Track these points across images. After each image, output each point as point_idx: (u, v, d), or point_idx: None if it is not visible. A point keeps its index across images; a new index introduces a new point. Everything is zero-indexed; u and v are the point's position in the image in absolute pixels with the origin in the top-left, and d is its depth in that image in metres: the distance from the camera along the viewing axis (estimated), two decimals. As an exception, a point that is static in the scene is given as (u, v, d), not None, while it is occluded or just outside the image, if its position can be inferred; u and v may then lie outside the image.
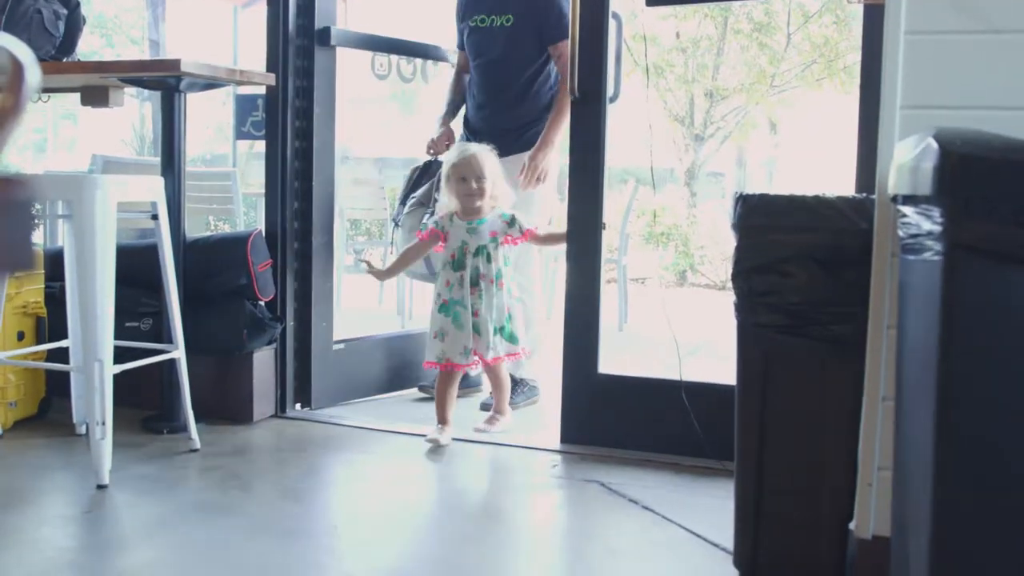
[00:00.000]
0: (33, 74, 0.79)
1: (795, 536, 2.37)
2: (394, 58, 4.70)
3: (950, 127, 1.79)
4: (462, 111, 4.47)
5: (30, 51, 0.84)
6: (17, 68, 0.83)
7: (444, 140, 4.36)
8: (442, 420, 3.66)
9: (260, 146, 4.69)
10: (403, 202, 4.31)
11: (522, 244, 3.78)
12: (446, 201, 3.70)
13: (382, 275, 3.95)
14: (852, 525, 2.39)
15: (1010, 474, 1.70)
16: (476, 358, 3.68)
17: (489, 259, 3.64)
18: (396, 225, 4.29)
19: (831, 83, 10.67)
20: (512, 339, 3.70)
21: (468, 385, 4.41)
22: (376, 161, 9.07)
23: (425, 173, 4.34)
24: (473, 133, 4.29)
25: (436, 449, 3.49)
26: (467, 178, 3.61)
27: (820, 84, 10.93)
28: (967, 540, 1.73)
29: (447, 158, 3.70)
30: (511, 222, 3.67)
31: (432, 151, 4.38)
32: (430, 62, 6.48)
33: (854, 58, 9.56)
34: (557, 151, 4.17)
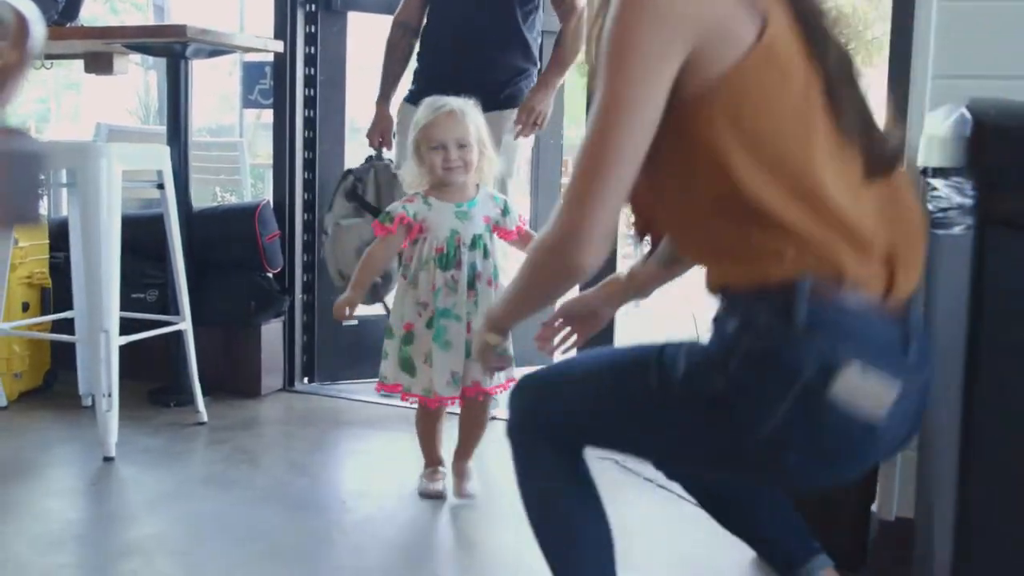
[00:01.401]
0: (38, 28, 0.75)
1: (816, 517, 2.33)
2: None
3: (984, 97, 1.74)
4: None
5: (34, 6, 0.80)
6: (21, 22, 0.79)
7: (388, 126, 3.55)
8: (433, 461, 2.83)
9: (267, 116, 4.63)
10: (331, 207, 3.57)
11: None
12: (413, 178, 2.71)
13: (349, 303, 2.69)
14: (875, 506, 2.36)
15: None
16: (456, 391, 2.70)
17: (486, 253, 2.69)
18: (326, 235, 3.58)
19: (859, 54, 10.57)
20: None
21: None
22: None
23: (367, 174, 3.56)
24: (424, 93, 3.31)
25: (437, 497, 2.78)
26: (444, 144, 2.61)
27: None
28: (991, 522, 1.69)
29: (416, 120, 2.67)
30: (505, 208, 2.75)
31: (377, 143, 3.57)
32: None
33: (882, 28, 9.45)
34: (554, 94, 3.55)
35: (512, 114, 3.42)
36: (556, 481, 1.65)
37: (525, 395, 1.69)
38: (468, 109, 2.66)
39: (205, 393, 3.41)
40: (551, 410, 1.65)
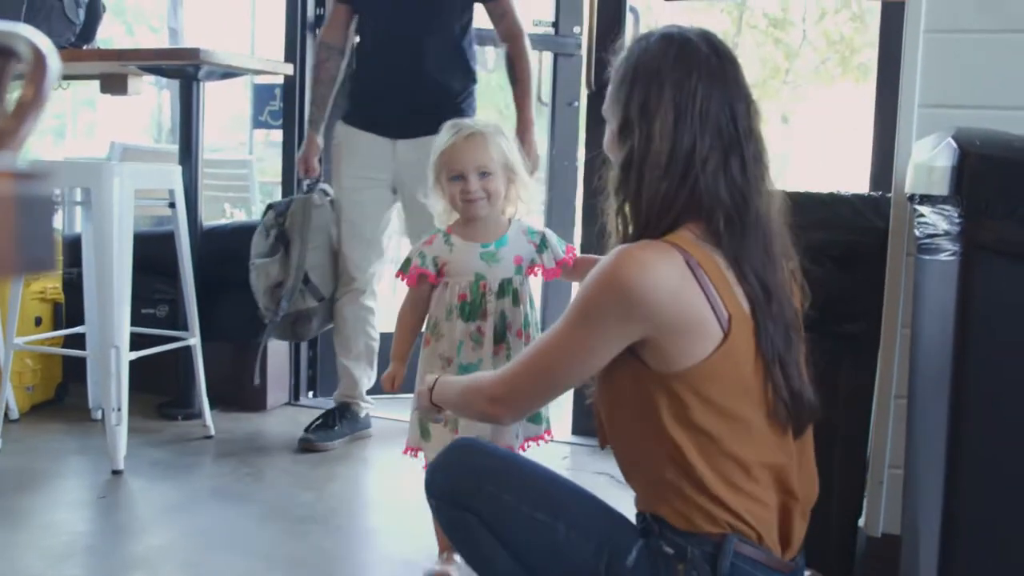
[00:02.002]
0: (54, 64, 0.79)
1: (806, 534, 2.38)
2: None
3: (969, 127, 1.79)
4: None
5: (49, 40, 0.84)
6: (39, 58, 0.83)
7: (316, 153, 3.48)
8: (447, 545, 2.39)
9: (276, 136, 4.70)
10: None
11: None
12: (440, 211, 2.37)
13: (393, 377, 2.32)
14: (862, 522, 2.40)
15: (1023, 474, 1.71)
16: None
17: (516, 300, 2.28)
18: (250, 271, 3.43)
19: (846, 79, 10.65)
20: (536, 416, 2.34)
21: (357, 429, 3.55)
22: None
23: (287, 208, 3.43)
24: (361, 118, 3.40)
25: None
26: (463, 173, 2.25)
27: (835, 80, 10.91)
28: (978, 540, 1.73)
29: (435, 145, 2.32)
30: (541, 243, 2.33)
31: (303, 171, 3.50)
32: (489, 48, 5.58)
33: (869, 55, 9.53)
34: None
35: None
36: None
37: (470, 474, 1.73)
38: (492, 132, 2.29)
39: (212, 407, 3.47)
40: (489, 509, 1.69)
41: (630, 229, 1.64)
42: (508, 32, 3.34)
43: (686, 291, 1.53)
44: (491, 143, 2.27)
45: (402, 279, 2.33)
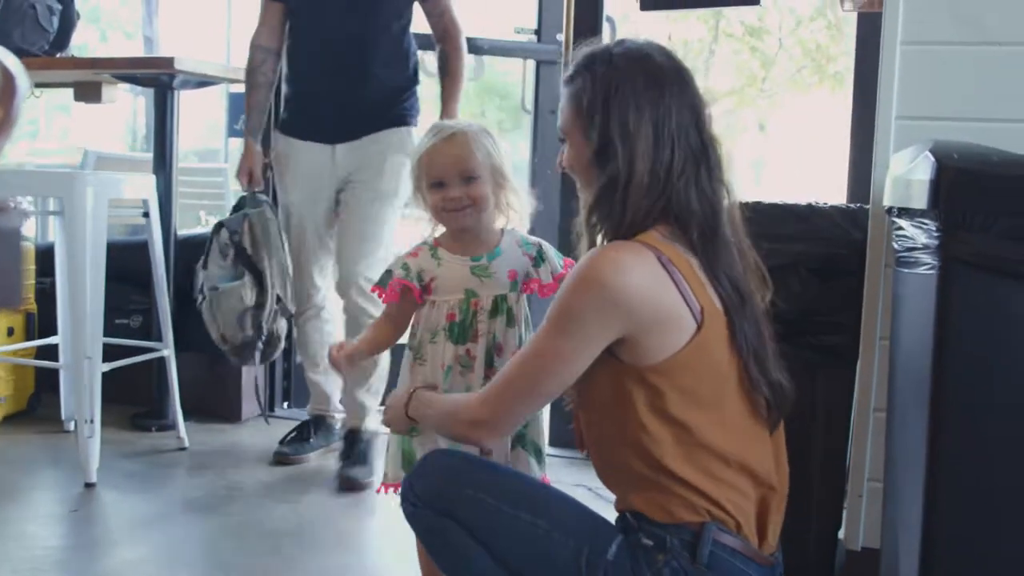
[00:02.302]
0: (23, 84, 0.77)
1: (784, 546, 2.37)
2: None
3: (946, 140, 1.80)
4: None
5: (17, 60, 0.82)
6: (7, 79, 0.82)
7: (257, 161, 3.30)
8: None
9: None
10: (205, 266, 3.23)
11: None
12: (426, 222, 2.11)
13: (348, 354, 2.11)
14: (841, 536, 2.40)
15: (1002, 487, 1.70)
16: None
17: (511, 319, 2.04)
18: (203, 297, 3.22)
19: (821, 87, 10.71)
20: (539, 453, 2.11)
21: (332, 441, 3.44)
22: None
23: (240, 225, 3.20)
24: (298, 126, 3.23)
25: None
26: (443, 179, 2.01)
27: (811, 88, 10.97)
28: (957, 553, 1.73)
29: (414, 150, 2.12)
30: (538, 256, 2.09)
31: (245, 181, 3.30)
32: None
33: (845, 63, 9.57)
34: None
35: (404, 132, 3.15)
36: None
37: (451, 478, 1.73)
38: (476, 131, 2.04)
39: (187, 418, 3.44)
40: (468, 511, 1.69)
41: (601, 239, 1.67)
42: (445, 31, 3.21)
43: (660, 287, 1.57)
44: (475, 144, 2.01)
45: (380, 295, 2.06)
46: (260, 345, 3.20)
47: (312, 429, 3.43)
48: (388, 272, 2.06)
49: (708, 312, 1.60)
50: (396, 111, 3.18)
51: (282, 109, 3.32)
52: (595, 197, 1.66)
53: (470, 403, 1.73)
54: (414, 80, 3.24)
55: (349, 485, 3.07)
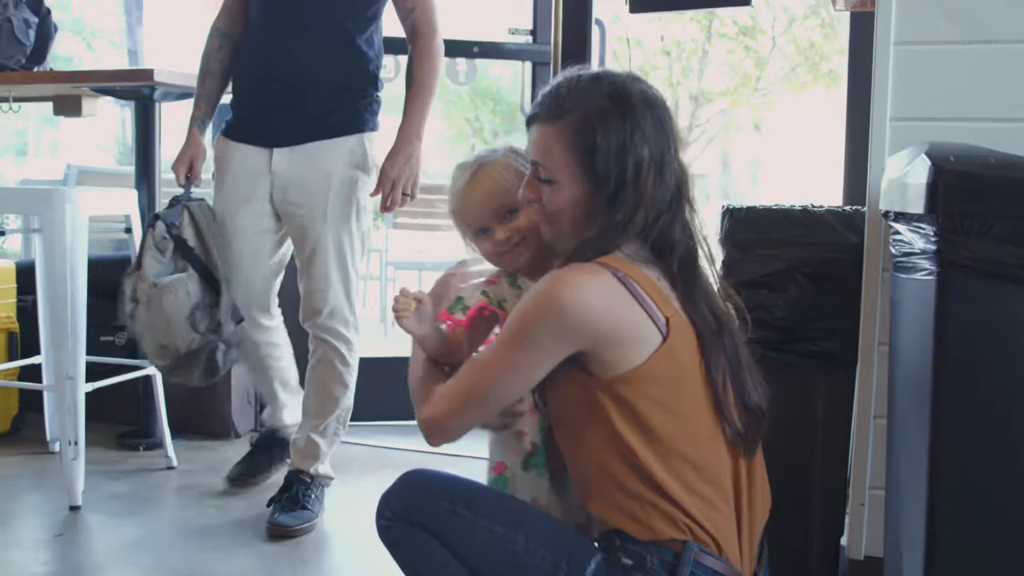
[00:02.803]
0: None
1: (786, 556, 2.32)
2: (402, 58, 3.43)
3: (942, 142, 1.76)
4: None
5: None
6: None
7: (198, 154, 2.98)
8: None
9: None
10: (138, 266, 2.84)
11: None
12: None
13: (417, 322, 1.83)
14: (844, 544, 2.35)
15: (1005, 494, 1.67)
16: None
17: None
18: (133, 305, 2.81)
19: (816, 86, 10.69)
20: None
21: (278, 458, 3.19)
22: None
23: (179, 217, 2.88)
24: (238, 128, 2.90)
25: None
26: (485, 227, 1.85)
27: (805, 87, 10.95)
28: (961, 561, 1.70)
29: (450, 197, 1.93)
30: None
31: (184, 176, 2.97)
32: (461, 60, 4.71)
33: (839, 61, 9.54)
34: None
35: (355, 142, 2.83)
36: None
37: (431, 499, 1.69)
38: (500, 160, 1.86)
39: (175, 436, 3.38)
40: (445, 524, 1.66)
41: (562, 261, 1.67)
42: (414, 30, 2.87)
43: (618, 303, 1.58)
44: (505, 173, 1.83)
45: (449, 324, 1.83)
46: (221, 348, 2.82)
47: (266, 445, 3.22)
48: (460, 300, 1.84)
49: (674, 323, 1.60)
50: (345, 116, 2.82)
51: (230, 108, 2.99)
52: (594, 236, 1.64)
53: (430, 403, 1.73)
54: (371, 84, 2.87)
55: (276, 532, 2.77)
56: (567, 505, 1.78)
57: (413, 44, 2.88)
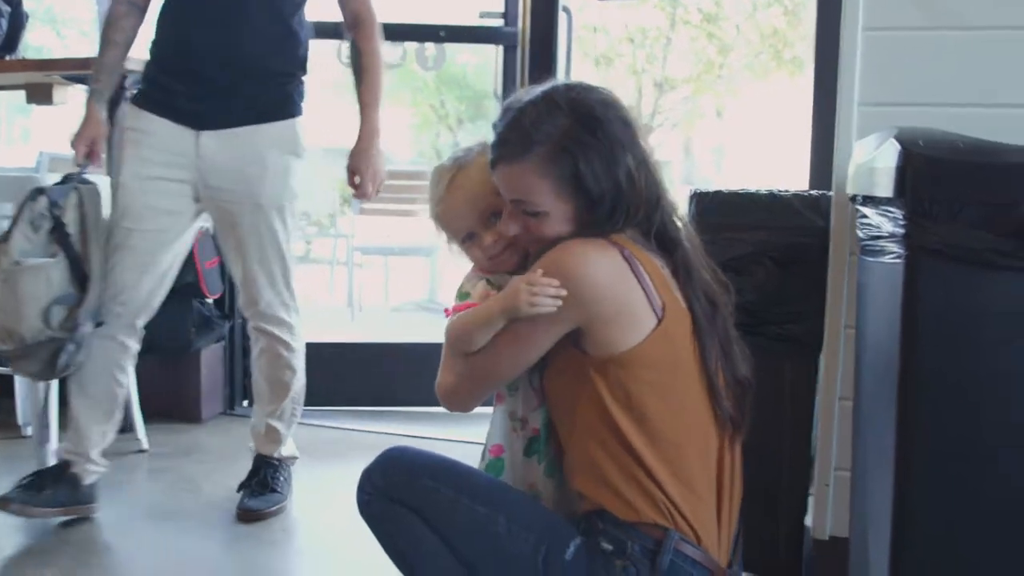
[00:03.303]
0: None
1: (752, 536, 2.36)
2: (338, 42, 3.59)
3: (911, 127, 1.78)
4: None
5: None
6: None
7: (98, 132, 2.73)
8: None
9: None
10: (6, 237, 2.56)
11: None
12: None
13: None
14: (809, 525, 2.39)
15: (972, 475, 1.70)
16: None
17: None
18: None
19: (779, 72, 10.76)
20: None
21: (77, 501, 2.73)
22: (324, 152, 9.00)
23: (65, 197, 2.62)
24: (155, 100, 2.72)
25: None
26: (471, 231, 1.80)
27: (768, 74, 11.01)
28: (929, 541, 1.73)
29: (431, 203, 1.86)
30: None
31: (83, 154, 2.72)
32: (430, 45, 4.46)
33: (802, 48, 9.61)
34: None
35: (289, 127, 2.74)
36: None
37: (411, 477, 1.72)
38: (477, 160, 1.78)
39: (145, 420, 3.38)
40: (426, 501, 1.69)
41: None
42: (356, 16, 2.79)
43: (622, 281, 1.60)
44: (483, 174, 1.74)
45: (451, 314, 1.76)
46: (70, 348, 2.56)
47: (51, 479, 2.71)
48: (465, 293, 1.79)
49: (671, 308, 1.62)
50: (278, 100, 2.72)
51: (142, 78, 2.82)
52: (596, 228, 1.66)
53: (441, 375, 1.75)
54: (298, 66, 2.77)
55: (247, 516, 2.75)
56: (562, 494, 1.76)
57: (357, 32, 2.80)
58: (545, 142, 1.62)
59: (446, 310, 1.78)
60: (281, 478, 2.90)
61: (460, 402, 1.75)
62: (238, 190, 2.70)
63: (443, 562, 1.67)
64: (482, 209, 1.76)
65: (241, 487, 2.87)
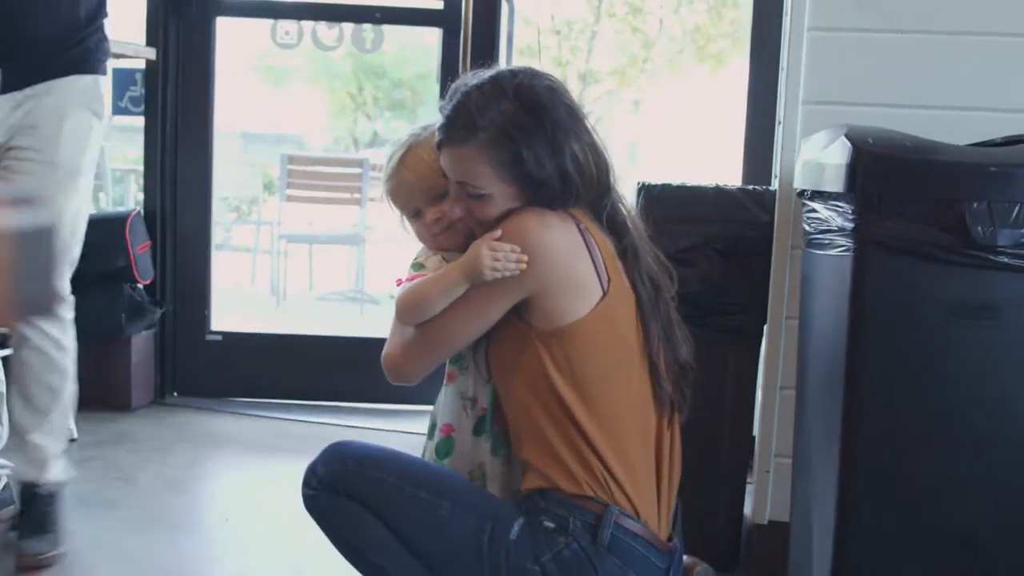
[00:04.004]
0: None
1: (693, 520, 2.41)
2: (307, 24, 3.82)
3: (861, 125, 1.84)
4: None
5: None
6: None
7: None
8: None
9: (122, 119, 4.51)
10: None
11: None
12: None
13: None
14: (748, 510, 2.45)
15: (914, 462, 1.77)
16: None
17: None
18: None
19: (702, 68, 10.88)
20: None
21: None
22: (242, 136, 8.89)
23: None
24: None
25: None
26: (416, 210, 1.80)
27: (690, 69, 11.14)
28: (872, 526, 1.79)
29: (383, 177, 1.87)
30: None
31: None
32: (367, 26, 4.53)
33: (724, 44, 9.73)
34: None
35: (87, 82, 2.45)
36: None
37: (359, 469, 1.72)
38: (430, 140, 1.75)
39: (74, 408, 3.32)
40: (371, 491, 1.70)
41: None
42: None
43: (574, 251, 1.63)
44: (433, 154, 1.74)
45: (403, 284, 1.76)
46: None
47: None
48: (420, 264, 1.80)
49: (616, 285, 1.65)
50: (74, 54, 2.41)
51: None
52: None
53: (389, 345, 1.76)
54: (99, 14, 2.47)
55: (28, 564, 2.33)
56: (509, 470, 1.78)
57: None
58: (489, 127, 1.63)
59: (398, 280, 1.78)
60: (55, 511, 2.47)
61: (407, 373, 1.75)
62: (30, 151, 2.39)
63: (391, 550, 1.68)
64: (430, 187, 1.77)
65: (14, 527, 2.46)
